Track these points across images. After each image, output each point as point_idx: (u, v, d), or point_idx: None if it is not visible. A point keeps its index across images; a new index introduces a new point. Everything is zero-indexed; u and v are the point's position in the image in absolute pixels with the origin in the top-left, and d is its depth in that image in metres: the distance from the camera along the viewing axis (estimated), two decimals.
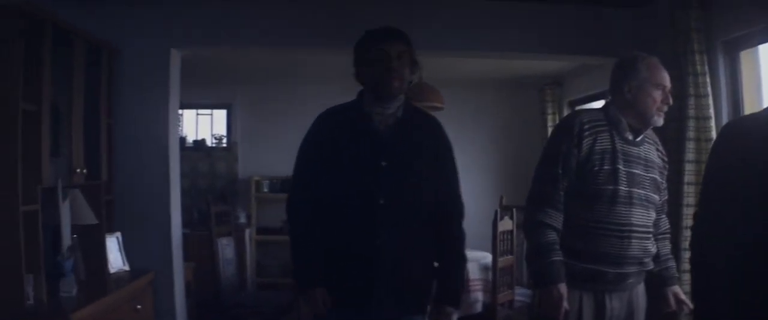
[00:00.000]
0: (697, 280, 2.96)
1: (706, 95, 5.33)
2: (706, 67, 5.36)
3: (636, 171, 3.75)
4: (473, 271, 6.54)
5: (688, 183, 5.31)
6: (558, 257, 3.67)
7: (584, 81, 8.61)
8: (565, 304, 3.64)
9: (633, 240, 3.70)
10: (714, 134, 5.24)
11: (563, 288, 3.64)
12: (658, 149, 3.97)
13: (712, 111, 5.31)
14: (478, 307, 6.54)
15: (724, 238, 2.78)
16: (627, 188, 3.69)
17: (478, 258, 6.86)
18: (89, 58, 5.40)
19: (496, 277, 6.21)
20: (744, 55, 5.39)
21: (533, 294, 4.09)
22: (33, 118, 4.49)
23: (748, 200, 2.73)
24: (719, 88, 5.43)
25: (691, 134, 5.34)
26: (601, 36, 6.40)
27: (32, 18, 4.50)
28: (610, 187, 3.67)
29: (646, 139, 3.89)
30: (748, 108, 5.26)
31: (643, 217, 3.75)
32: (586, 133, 3.71)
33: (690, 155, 5.33)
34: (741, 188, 2.74)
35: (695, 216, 3.06)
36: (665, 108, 3.80)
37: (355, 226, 3.54)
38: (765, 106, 3.11)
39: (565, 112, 9.24)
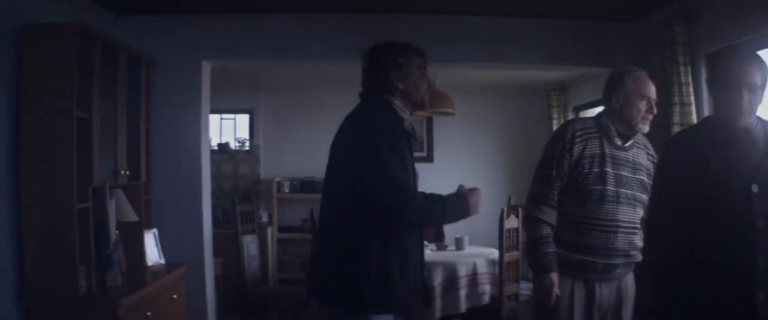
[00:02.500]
0: (646, 267, 3.46)
1: (689, 104, 5.64)
2: (690, 78, 5.67)
3: (623, 173, 4.10)
4: (481, 265, 6.84)
5: None
6: (551, 249, 4.08)
7: (587, 88, 8.86)
8: (556, 290, 4.05)
9: (619, 235, 4.05)
10: None
11: (555, 276, 4.06)
12: (648, 153, 4.30)
13: (694, 118, 5.61)
14: (486, 299, 6.81)
15: (661, 237, 3.29)
16: (614, 189, 4.05)
17: (485, 253, 7.21)
18: (130, 70, 5.70)
19: (502, 271, 6.48)
20: None
21: (533, 284, 4.51)
22: (85, 125, 4.87)
23: (676, 201, 3.25)
24: (702, 97, 5.71)
25: None
26: (600, 49, 6.72)
27: (85, 36, 4.87)
28: (599, 187, 4.04)
29: (636, 144, 4.23)
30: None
31: (630, 214, 4.09)
32: (578, 139, 4.09)
33: None
34: (674, 192, 3.26)
35: (646, 223, 3.55)
36: (650, 117, 4.14)
37: (414, 233, 3.81)
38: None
39: (570, 116, 9.49)
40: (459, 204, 3.75)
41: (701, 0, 5.66)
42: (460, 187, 3.86)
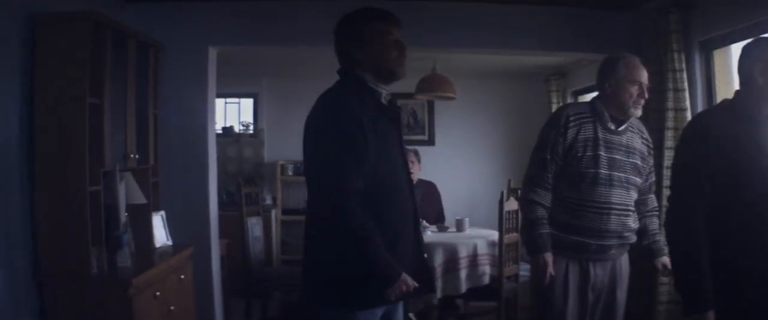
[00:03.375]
0: (674, 248, 3.53)
1: (683, 89, 5.77)
2: (684, 65, 5.79)
3: (617, 157, 4.27)
4: (481, 246, 6.97)
5: (667, 167, 5.68)
6: (545, 230, 4.26)
7: (586, 73, 8.85)
8: (551, 270, 4.23)
9: (612, 217, 4.22)
10: None
11: (549, 256, 4.24)
12: (642, 137, 4.47)
13: (688, 103, 5.76)
14: (486, 280, 6.95)
15: (690, 219, 3.39)
16: (607, 172, 4.21)
17: (485, 235, 7.33)
18: (139, 56, 5.80)
19: (502, 252, 6.62)
20: (717, 54, 5.83)
21: (530, 265, 4.67)
22: (97, 110, 4.99)
23: (707, 179, 3.36)
24: (695, 83, 5.88)
25: (669, 123, 5.77)
26: (596, 35, 6.82)
27: (97, 23, 4.98)
28: (592, 170, 4.20)
29: (630, 128, 4.38)
30: (720, 100, 5.66)
31: (623, 197, 4.26)
32: (572, 124, 4.25)
33: (669, 143, 5.76)
34: (703, 170, 3.36)
35: (669, 199, 3.65)
36: (642, 101, 4.29)
37: (405, 214, 3.46)
38: (727, 97, 3.64)
39: (570, 101, 9.59)
40: (390, 266, 3.26)
41: None
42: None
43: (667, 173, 5.73)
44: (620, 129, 4.34)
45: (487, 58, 8.63)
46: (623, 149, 4.32)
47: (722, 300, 3.32)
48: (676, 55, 5.82)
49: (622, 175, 4.28)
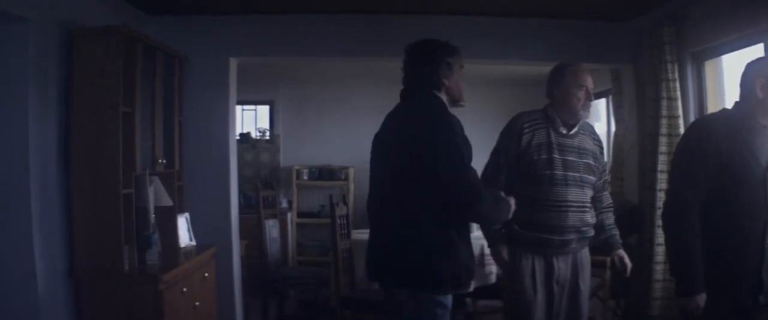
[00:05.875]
0: (669, 236, 3.89)
1: (676, 98, 6.03)
2: (677, 74, 6.05)
3: (570, 158, 4.59)
4: (487, 247, 7.30)
5: (661, 171, 5.97)
6: (498, 226, 4.65)
7: None
8: (505, 256, 4.71)
9: (569, 213, 4.54)
10: (682, 131, 5.91)
11: (503, 248, 4.72)
12: (594, 139, 4.80)
13: (680, 111, 6.02)
14: (492, 279, 7.17)
15: (686, 216, 3.73)
16: (562, 172, 4.54)
17: None
18: (165, 67, 6.11)
19: None
20: (709, 64, 6.10)
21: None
22: (129, 118, 5.31)
23: (703, 176, 3.70)
24: (687, 91, 6.13)
25: (663, 130, 6.02)
26: (596, 46, 7.08)
27: (129, 37, 5.31)
28: (548, 172, 4.53)
29: (582, 131, 4.70)
30: (711, 108, 5.97)
31: (578, 194, 4.58)
32: (526, 131, 4.57)
33: (662, 148, 6.00)
34: (700, 167, 3.70)
35: (668, 192, 3.98)
36: (589, 104, 4.64)
37: None
38: (725, 106, 4.04)
39: None
40: (507, 207, 3.97)
41: (689, 3, 6.02)
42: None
43: (661, 177, 6.00)
44: (572, 133, 4.67)
45: (492, 67, 8.89)
46: (575, 150, 4.64)
47: (711, 287, 3.69)
48: (669, 66, 6.06)
49: (577, 175, 4.60)
